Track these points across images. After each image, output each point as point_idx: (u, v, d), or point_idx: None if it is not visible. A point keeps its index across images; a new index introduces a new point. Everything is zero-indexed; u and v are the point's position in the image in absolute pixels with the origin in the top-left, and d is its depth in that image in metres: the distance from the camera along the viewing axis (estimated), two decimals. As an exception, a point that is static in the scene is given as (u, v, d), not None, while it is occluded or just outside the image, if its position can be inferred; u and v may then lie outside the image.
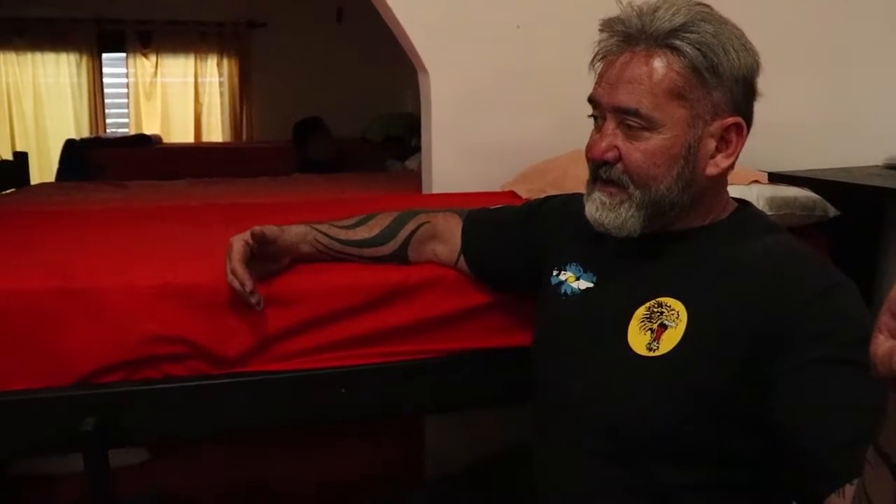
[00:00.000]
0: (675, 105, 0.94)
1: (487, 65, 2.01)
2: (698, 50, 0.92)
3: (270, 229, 1.18)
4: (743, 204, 1.06)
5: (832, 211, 1.60)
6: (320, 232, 1.27)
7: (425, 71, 1.99)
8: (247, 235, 1.16)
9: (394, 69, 5.05)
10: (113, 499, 1.21)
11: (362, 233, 1.29)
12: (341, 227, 1.29)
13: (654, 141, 0.95)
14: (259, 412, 1.25)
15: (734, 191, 1.09)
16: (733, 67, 0.94)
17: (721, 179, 1.00)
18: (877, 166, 1.96)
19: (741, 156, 1.01)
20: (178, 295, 1.18)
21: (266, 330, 1.20)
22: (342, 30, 5.55)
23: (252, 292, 1.14)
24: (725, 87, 0.94)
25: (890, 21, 2.19)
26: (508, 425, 1.71)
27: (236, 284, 1.14)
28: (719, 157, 0.97)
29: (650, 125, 0.94)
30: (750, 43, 0.97)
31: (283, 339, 1.22)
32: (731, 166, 1.01)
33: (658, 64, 0.93)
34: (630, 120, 0.95)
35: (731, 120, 0.96)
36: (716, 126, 0.95)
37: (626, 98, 0.95)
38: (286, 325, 1.21)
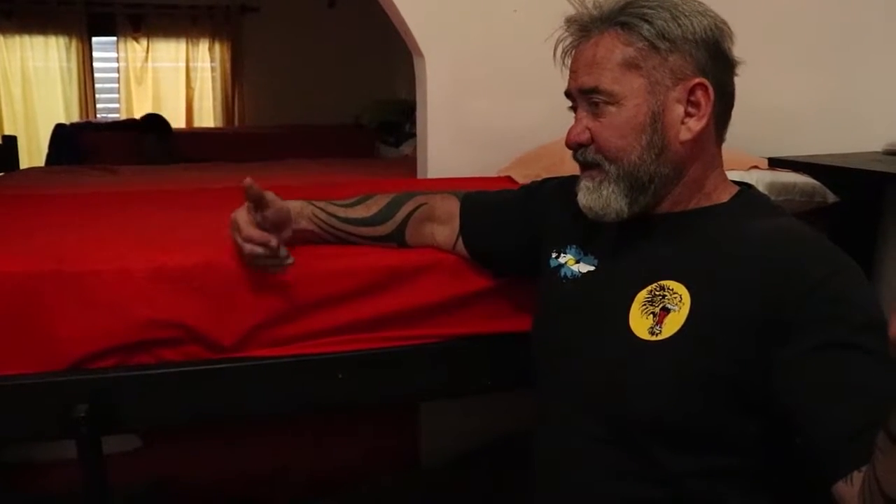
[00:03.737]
0: (632, 76, 0.96)
1: (484, 49, 1.99)
2: (643, 20, 0.96)
3: (266, 191, 1.16)
4: (746, 187, 1.06)
5: (831, 197, 1.60)
6: (318, 208, 1.25)
7: (421, 55, 1.97)
8: (246, 205, 1.14)
9: (387, 55, 5.03)
10: (106, 486, 1.20)
11: (360, 211, 1.27)
12: (339, 205, 1.27)
13: (619, 114, 0.98)
14: (254, 398, 1.23)
15: (733, 176, 1.08)
16: (686, 31, 0.96)
17: (702, 149, 0.99)
18: (876, 152, 1.96)
19: (740, 141, 1.00)
20: (172, 279, 1.16)
21: (262, 314, 1.19)
22: (335, 14, 5.52)
23: (278, 247, 1.12)
24: (682, 50, 0.96)
25: (891, 8, 2.18)
26: (505, 412, 1.71)
27: (258, 249, 1.12)
28: (691, 122, 0.98)
29: (612, 99, 0.97)
30: (709, 10, 0.99)
31: (279, 324, 1.20)
32: (718, 139, 1.01)
33: (609, 41, 0.97)
34: (594, 97, 0.99)
35: (694, 81, 0.96)
36: (680, 90, 0.97)
37: (586, 79, 0.99)
38: (282, 310, 1.19)
